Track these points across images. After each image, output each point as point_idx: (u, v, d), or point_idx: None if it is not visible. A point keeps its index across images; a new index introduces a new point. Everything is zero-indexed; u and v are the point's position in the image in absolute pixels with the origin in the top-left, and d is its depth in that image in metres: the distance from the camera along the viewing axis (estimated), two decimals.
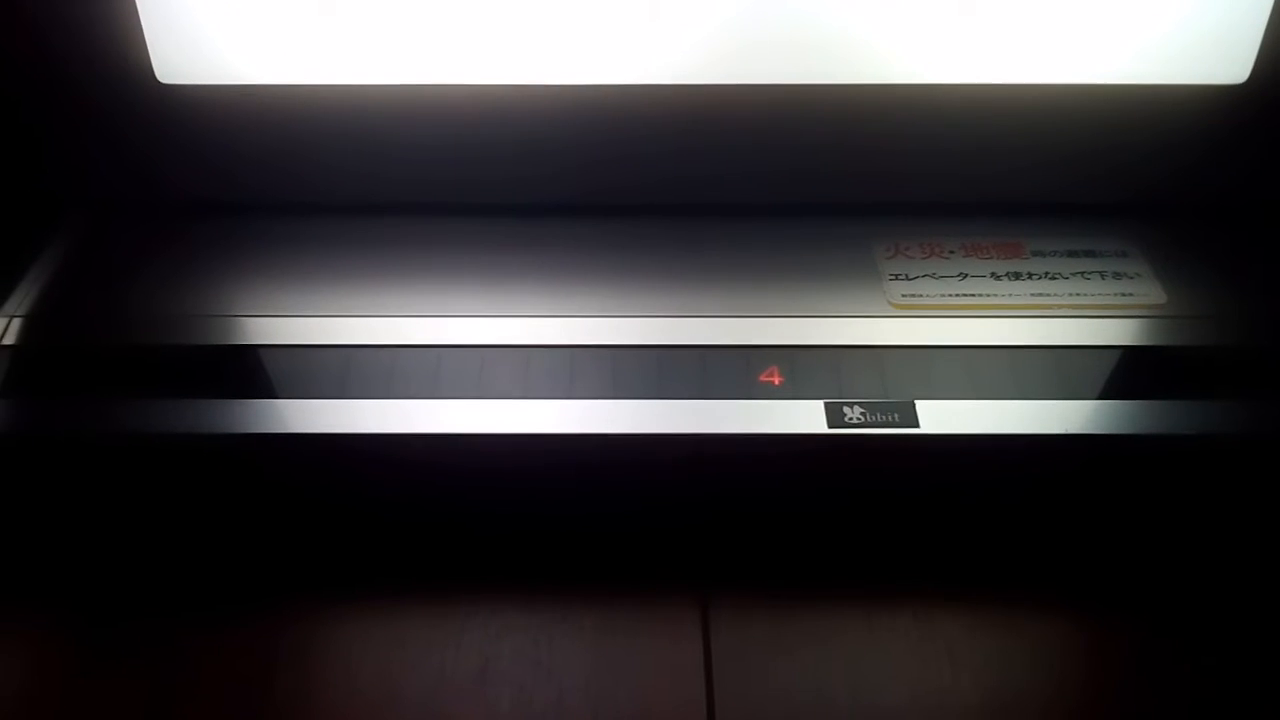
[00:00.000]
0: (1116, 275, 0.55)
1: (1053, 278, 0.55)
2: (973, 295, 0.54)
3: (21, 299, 0.54)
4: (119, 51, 0.52)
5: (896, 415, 0.49)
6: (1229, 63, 0.53)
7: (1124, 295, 0.54)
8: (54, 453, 0.50)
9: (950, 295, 0.54)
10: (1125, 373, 0.51)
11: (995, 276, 0.55)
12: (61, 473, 0.50)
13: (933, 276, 0.55)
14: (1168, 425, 0.49)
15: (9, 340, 0.52)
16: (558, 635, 0.49)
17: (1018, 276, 0.55)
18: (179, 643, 0.48)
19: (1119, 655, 0.49)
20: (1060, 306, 0.53)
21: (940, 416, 0.49)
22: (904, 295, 0.54)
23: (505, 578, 0.51)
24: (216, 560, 0.51)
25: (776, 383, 0.50)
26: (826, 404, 0.49)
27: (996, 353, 0.51)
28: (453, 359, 0.51)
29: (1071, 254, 0.56)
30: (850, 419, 0.49)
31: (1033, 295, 0.54)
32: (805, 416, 0.49)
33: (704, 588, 0.50)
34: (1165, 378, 0.51)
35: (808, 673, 0.48)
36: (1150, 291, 0.54)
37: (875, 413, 0.49)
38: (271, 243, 0.57)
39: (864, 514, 0.52)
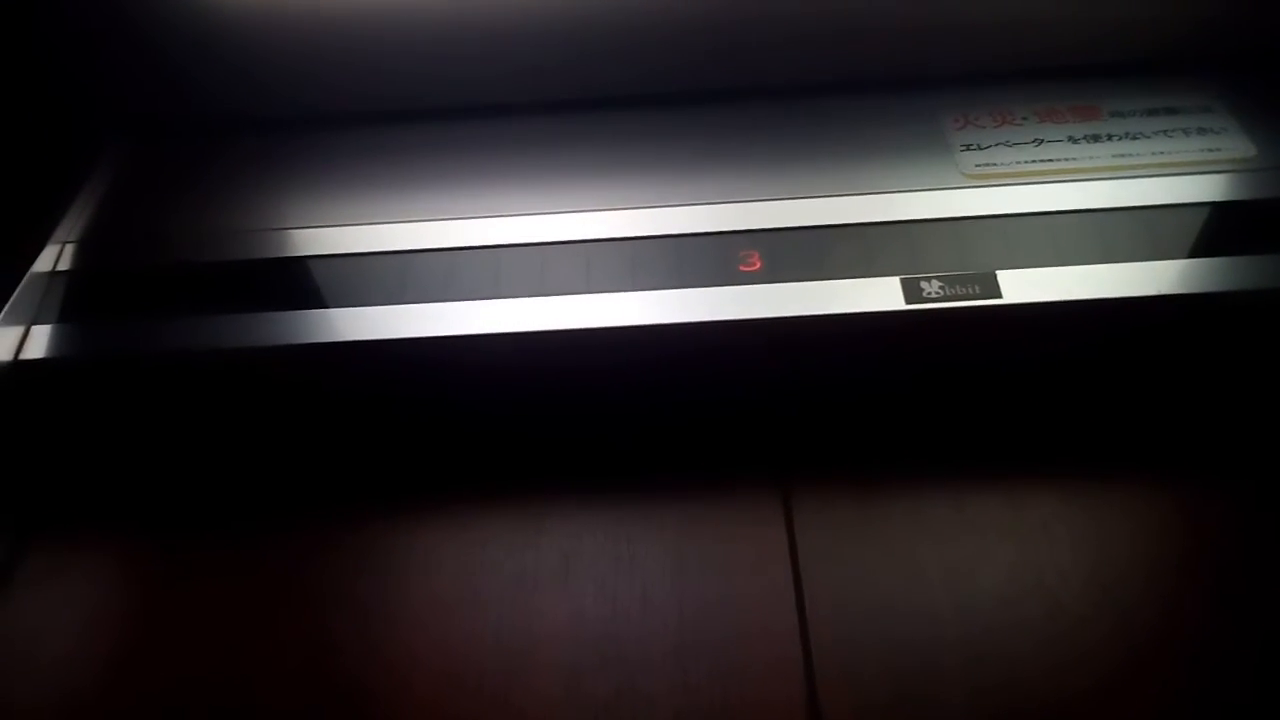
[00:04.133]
0: (1201, 131, 0.52)
1: (1134, 138, 0.52)
2: (1050, 160, 0.51)
3: (72, 225, 0.53)
4: None
5: (977, 287, 0.47)
6: None
7: (1210, 151, 0.51)
8: (118, 375, 0.49)
9: (1026, 162, 0.51)
10: (1217, 229, 0.48)
11: (1073, 140, 0.52)
12: (128, 394, 0.50)
13: (1006, 145, 0.52)
14: (1264, 280, 0.47)
15: (63, 266, 0.51)
16: (639, 531, 0.48)
17: (1096, 139, 0.52)
18: (261, 554, 0.48)
19: (1219, 525, 0.47)
20: (1144, 166, 0.51)
21: (1023, 286, 0.47)
22: (977, 165, 0.51)
23: (583, 477, 0.49)
24: (293, 473, 0.50)
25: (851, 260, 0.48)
26: (903, 280, 0.47)
27: (1079, 216, 0.49)
28: (513, 259, 0.50)
29: (1152, 113, 0.53)
30: (928, 294, 0.47)
31: (1114, 157, 0.51)
32: (881, 294, 0.47)
33: (786, 477, 0.49)
34: (1259, 232, 0.48)
35: (897, 556, 0.46)
36: (1238, 145, 0.51)
37: (954, 285, 0.47)
38: (310, 155, 0.56)
39: (947, 393, 0.50)
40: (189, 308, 0.49)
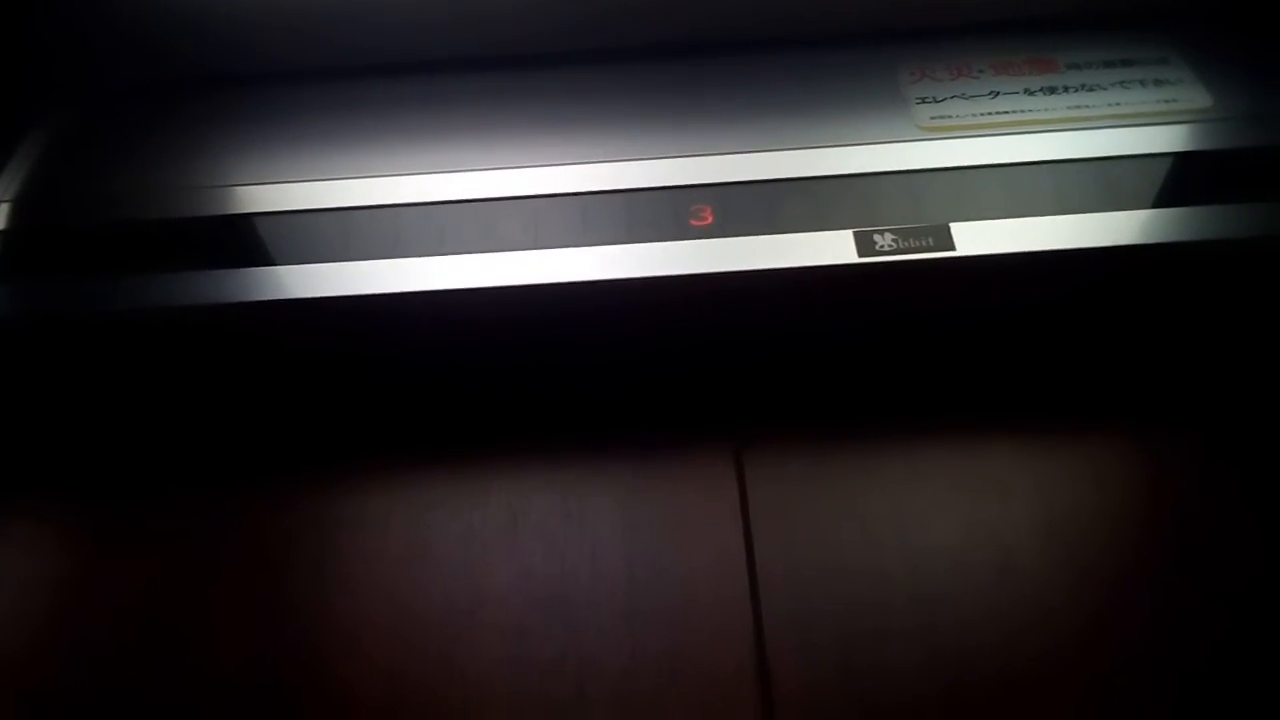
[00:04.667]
0: (1158, 83, 0.51)
1: (1090, 90, 0.51)
2: (1005, 113, 0.51)
3: (8, 184, 0.52)
4: None
5: (930, 239, 0.46)
6: None
7: (1167, 101, 0.50)
8: (58, 334, 0.48)
9: (981, 114, 0.51)
10: (1173, 180, 0.48)
11: (1029, 92, 0.51)
12: (68, 354, 0.49)
13: (962, 97, 0.51)
14: (1220, 230, 0.46)
15: None
16: (588, 489, 0.47)
17: (1053, 91, 0.51)
18: (200, 517, 0.47)
19: (1173, 474, 0.47)
20: (1100, 118, 0.50)
21: (977, 237, 0.46)
22: (932, 118, 0.51)
23: (531, 435, 0.49)
24: (233, 434, 0.49)
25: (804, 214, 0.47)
26: (855, 233, 0.47)
27: (1033, 168, 0.48)
28: (458, 214, 0.49)
29: (1108, 64, 0.52)
30: (881, 246, 0.46)
31: (1070, 108, 0.50)
32: (834, 246, 0.46)
33: (737, 433, 0.48)
34: (1215, 182, 0.48)
35: (850, 513, 0.46)
36: (1194, 96, 0.51)
37: (907, 238, 0.46)
38: (255, 112, 0.54)
39: (901, 347, 0.49)
40: (130, 266, 0.48)
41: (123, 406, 0.50)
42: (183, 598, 0.44)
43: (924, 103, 0.51)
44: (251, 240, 0.49)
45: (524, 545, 0.45)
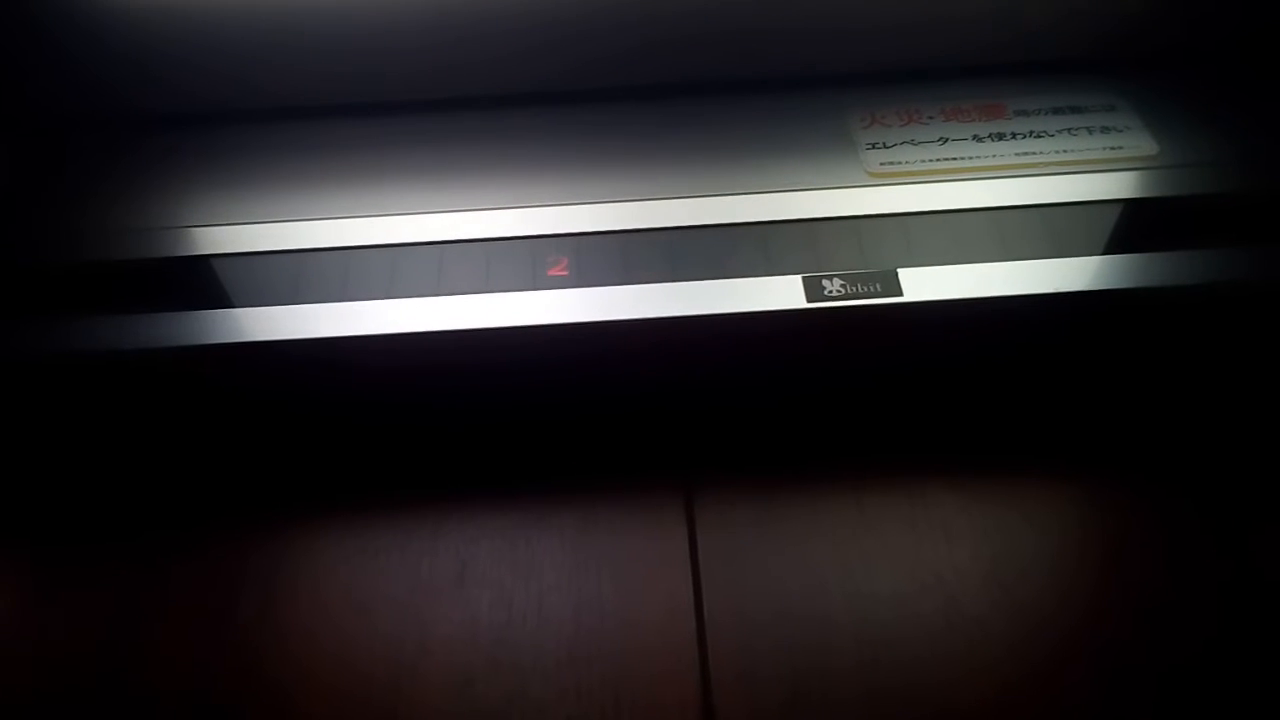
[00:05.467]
0: (1105, 129, 0.52)
1: (1038, 136, 0.52)
2: (954, 159, 0.51)
3: None
4: None
5: (878, 285, 0.47)
6: None
7: (1114, 149, 0.51)
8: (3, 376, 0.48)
9: (930, 160, 0.51)
10: (1120, 227, 0.48)
11: (977, 139, 0.52)
12: (10, 396, 0.48)
13: (911, 143, 0.52)
14: (1166, 277, 0.46)
15: None
16: (537, 535, 0.47)
17: (1001, 137, 0.52)
18: (144, 563, 0.46)
19: (1114, 519, 0.47)
20: (1047, 164, 0.50)
21: (924, 283, 0.46)
22: (881, 164, 0.51)
23: (480, 480, 0.49)
24: (177, 479, 0.49)
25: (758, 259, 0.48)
26: (805, 278, 0.47)
27: (981, 215, 0.49)
28: (410, 257, 0.49)
29: (1056, 111, 0.53)
30: (830, 292, 0.46)
31: (1017, 155, 0.51)
32: (783, 292, 0.47)
33: (688, 479, 0.48)
34: (1162, 229, 0.48)
35: (797, 559, 0.46)
36: (1141, 143, 0.51)
37: (855, 284, 0.47)
38: (212, 152, 0.54)
39: (850, 392, 0.50)
40: (76, 308, 0.48)
41: (67, 451, 0.49)
42: (126, 645, 0.44)
43: (874, 148, 0.52)
44: (199, 282, 0.49)
45: (471, 593, 0.45)
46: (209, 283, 0.49)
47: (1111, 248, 0.48)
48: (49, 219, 0.52)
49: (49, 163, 0.55)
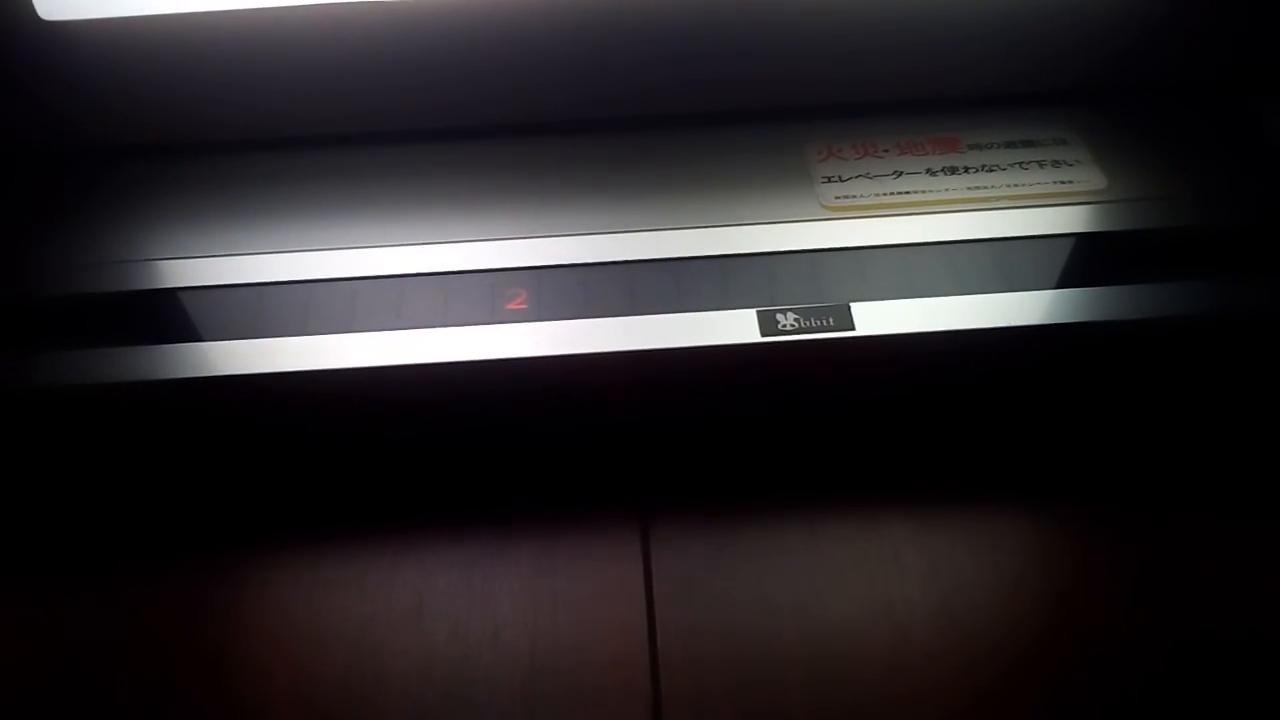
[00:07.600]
0: (1056, 163, 0.53)
1: (990, 170, 0.53)
2: (908, 193, 0.52)
3: None
4: None
5: (831, 319, 0.47)
6: None
7: (1064, 183, 0.52)
8: None
9: (884, 194, 0.52)
10: (1069, 261, 0.49)
11: (931, 173, 0.53)
12: None
13: (866, 176, 0.53)
14: (1115, 311, 0.47)
15: None
16: (492, 567, 0.47)
17: (954, 171, 0.53)
18: (96, 597, 0.46)
19: (1070, 552, 0.48)
20: (999, 199, 0.51)
21: (876, 318, 0.47)
22: (837, 197, 0.52)
23: (438, 513, 0.49)
24: (132, 512, 0.49)
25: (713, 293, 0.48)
26: (759, 312, 0.47)
27: (933, 249, 0.49)
28: (368, 290, 0.49)
29: (1009, 145, 0.54)
30: (784, 326, 0.47)
31: (970, 189, 0.52)
32: (738, 326, 0.47)
33: (643, 509, 0.49)
34: (1110, 263, 0.49)
35: (750, 587, 0.46)
36: (1091, 178, 0.52)
37: (809, 318, 0.47)
38: (169, 183, 0.54)
39: (804, 424, 0.50)
40: (37, 342, 0.48)
41: (25, 482, 0.49)
42: (77, 679, 0.44)
43: (830, 181, 0.52)
44: (161, 316, 0.49)
45: (427, 627, 0.45)
46: (169, 316, 0.49)
47: (1062, 282, 0.48)
48: (6, 253, 0.52)
49: (7, 197, 0.55)
